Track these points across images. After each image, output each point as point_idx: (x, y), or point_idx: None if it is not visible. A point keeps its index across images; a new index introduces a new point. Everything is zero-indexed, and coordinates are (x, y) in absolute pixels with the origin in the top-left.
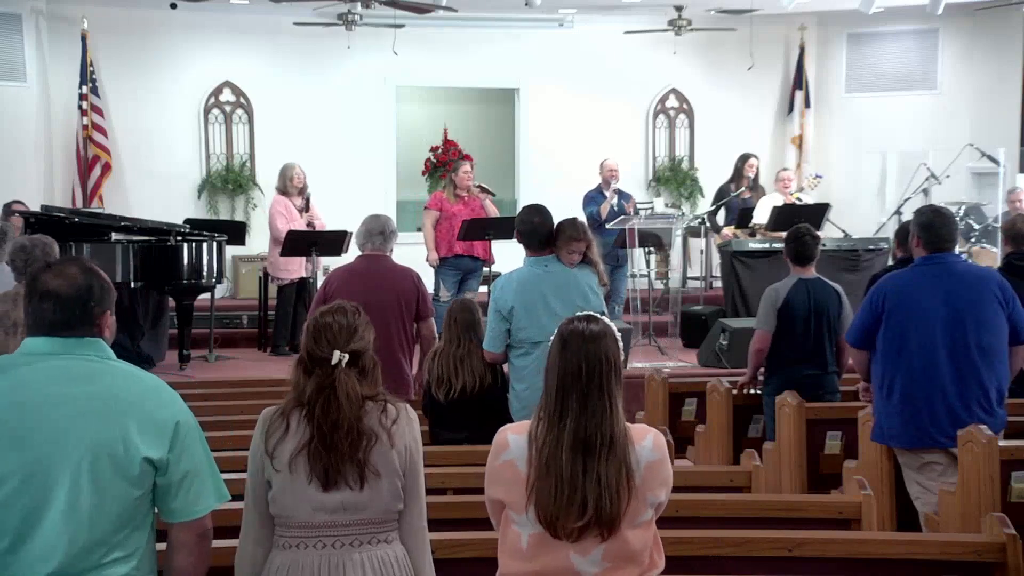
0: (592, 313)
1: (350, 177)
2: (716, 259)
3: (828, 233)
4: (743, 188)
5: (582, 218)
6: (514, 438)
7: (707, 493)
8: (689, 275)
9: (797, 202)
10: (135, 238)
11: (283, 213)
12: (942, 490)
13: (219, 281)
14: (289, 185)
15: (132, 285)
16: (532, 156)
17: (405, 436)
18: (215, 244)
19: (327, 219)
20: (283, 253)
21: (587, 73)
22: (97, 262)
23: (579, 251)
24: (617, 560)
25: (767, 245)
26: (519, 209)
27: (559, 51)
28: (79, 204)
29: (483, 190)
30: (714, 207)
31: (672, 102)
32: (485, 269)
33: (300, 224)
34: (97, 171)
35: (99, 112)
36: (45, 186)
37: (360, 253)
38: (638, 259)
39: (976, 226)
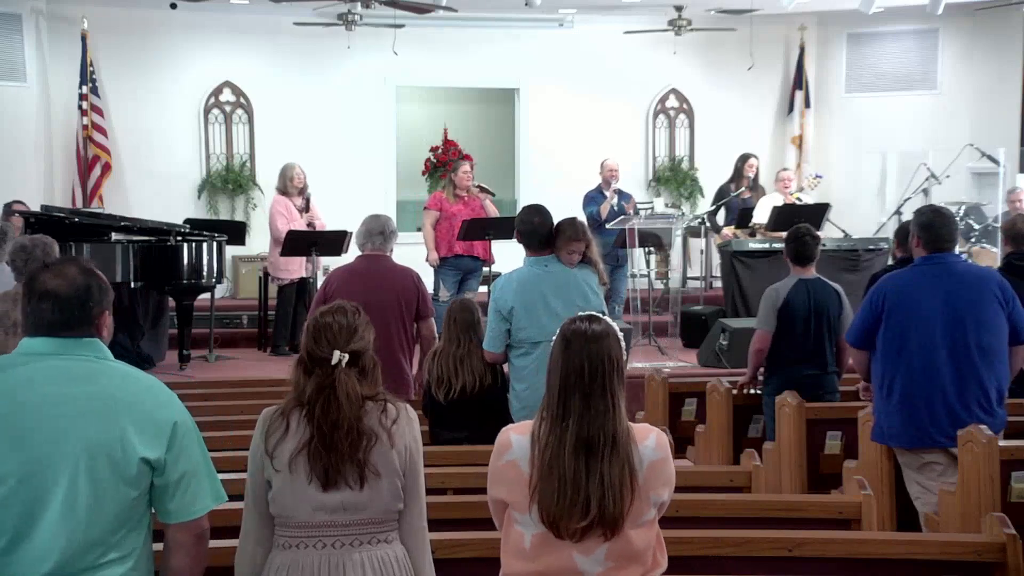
0: (594, 313)
1: (350, 177)
2: (716, 259)
3: (828, 233)
4: (743, 188)
5: (582, 218)
6: (517, 438)
7: (707, 493)
8: (689, 275)
9: (797, 202)
10: (135, 238)
11: (283, 213)
12: (942, 490)
13: (219, 281)
14: (289, 185)
15: (132, 285)
16: (532, 156)
17: (405, 436)
18: (215, 244)
19: (327, 219)
20: (283, 253)
21: (587, 73)
22: (97, 262)
23: (579, 251)
24: (620, 560)
25: (767, 245)
26: (519, 209)
27: (559, 51)
28: (79, 204)
29: (483, 190)
30: (714, 207)
31: (672, 102)
32: (485, 269)
33: (300, 224)
34: (97, 171)
35: (99, 112)
36: (45, 186)
37: (360, 253)
38: (638, 259)
39: (976, 226)
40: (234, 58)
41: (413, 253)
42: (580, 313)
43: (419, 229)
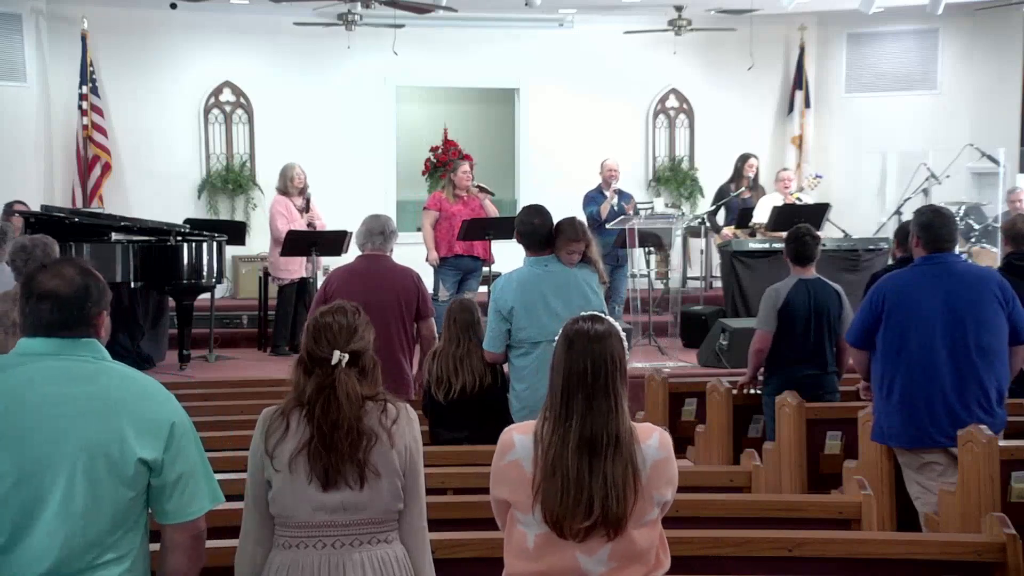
0: (597, 313)
1: (350, 177)
2: (716, 259)
3: (828, 233)
4: (743, 188)
5: (582, 218)
6: (520, 438)
7: (707, 493)
8: (689, 275)
9: (797, 202)
10: (135, 238)
11: (283, 213)
12: (942, 490)
13: (219, 281)
14: (289, 185)
15: (132, 285)
16: (532, 156)
17: (405, 436)
18: (215, 244)
19: (327, 219)
20: (283, 253)
21: (587, 73)
22: (97, 262)
23: (578, 251)
24: (623, 559)
25: (767, 245)
26: (519, 209)
27: (559, 51)
28: (79, 204)
29: (482, 190)
30: (714, 207)
31: (672, 102)
32: (485, 269)
33: (300, 224)
34: (97, 171)
35: (99, 112)
36: (45, 186)
37: (360, 253)
38: (638, 259)
39: (976, 226)
40: (234, 58)
41: (413, 253)
42: (582, 313)
43: (419, 229)
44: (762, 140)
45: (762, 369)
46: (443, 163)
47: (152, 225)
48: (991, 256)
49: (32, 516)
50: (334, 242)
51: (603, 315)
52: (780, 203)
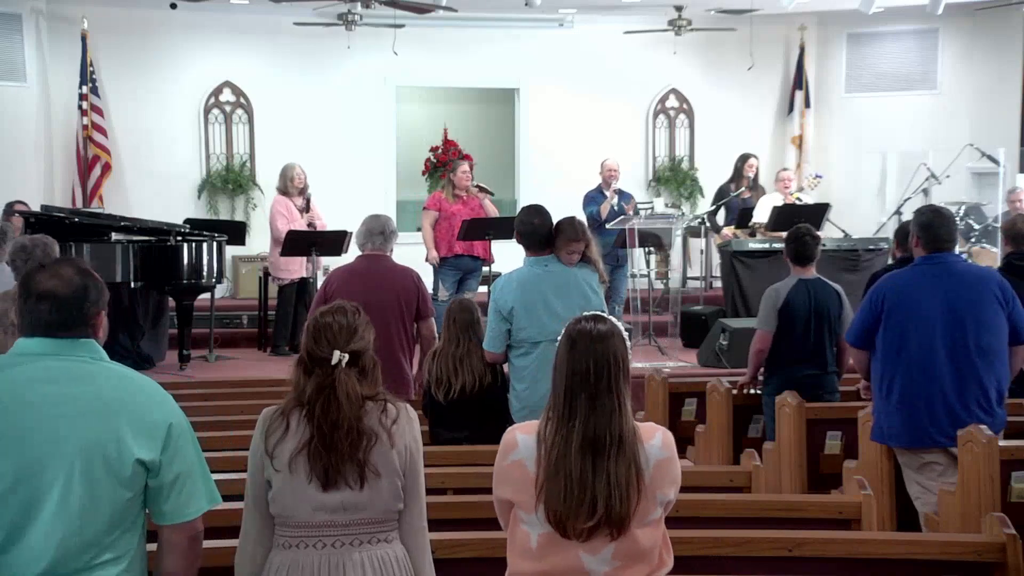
0: (600, 313)
1: (350, 177)
2: (716, 259)
3: (828, 233)
4: (743, 188)
5: (582, 218)
6: (523, 438)
7: (707, 493)
8: (689, 275)
9: (797, 202)
10: (135, 238)
11: (283, 213)
12: (942, 490)
13: (219, 281)
14: (290, 185)
15: (132, 285)
16: (532, 156)
17: (405, 436)
18: (215, 244)
19: (327, 219)
20: (283, 253)
21: (587, 73)
22: (97, 262)
23: (578, 251)
24: (627, 559)
25: (767, 245)
26: (519, 209)
27: (559, 51)
28: (79, 204)
29: (482, 190)
30: (714, 207)
31: (672, 102)
32: (485, 269)
33: (301, 224)
34: (97, 171)
35: (99, 112)
36: (45, 186)
37: (360, 253)
38: (638, 259)
39: (976, 226)
40: (234, 58)
41: (413, 253)
42: (585, 313)
43: (419, 229)
44: (762, 140)
45: (762, 369)
46: (443, 163)
47: (152, 225)
48: (991, 256)
49: (30, 516)
50: (334, 242)
51: (606, 315)
52: (780, 203)
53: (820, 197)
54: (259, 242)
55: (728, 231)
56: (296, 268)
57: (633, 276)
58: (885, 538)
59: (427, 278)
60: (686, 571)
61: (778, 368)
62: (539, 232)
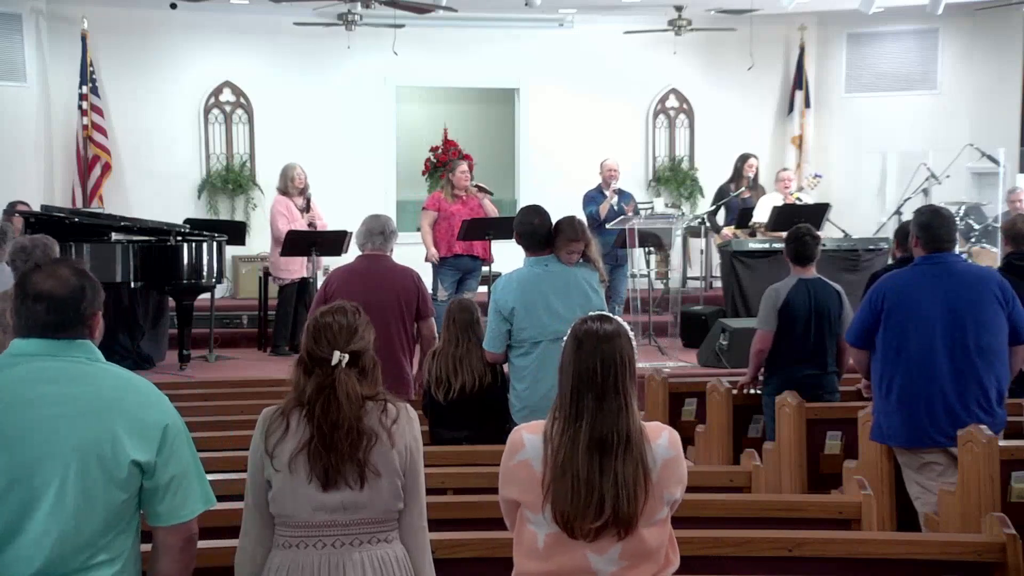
0: (606, 313)
1: (350, 177)
2: (716, 259)
3: (828, 233)
4: (743, 188)
5: (581, 217)
6: (530, 438)
7: (707, 493)
8: (689, 275)
9: (797, 202)
10: (135, 238)
11: (284, 213)
12: (942, 490)
13: (219, 281)
14: (290, 185)
15: (132, 285)
16: (532, 156)
17: (405, 436)
18: (215, 244)
19: (327, 219)
20: (283, 253)
21: (587, 73)
22: (97, 262)
23: (578, 251)
24: (634, 558)
25: (767, 245)
26: (519, 209)
27: (559, 51)
28: (79, 204)
29: (481, 189)
30: (714, 207)
31: (672, 102)
32: (484, 268)
33: (301, 224)
34: (97, 171)
35: (99, 112)
36: (45, 186)
37: (360, 253)
38: (638, 259)
39: (976, 226)
40: (234, 58)
41: (413, 253)
42: (590, 313)
43: (419, 229)
44: (762, 140)
45: (762, 369)
46: (443, 163)
47: (152, 225)
48: (991, 256)
49: (25, 516)
50: (334, 242)
51: (612, 315)
52: (780, 203)
53: (820, 197)
54: (259, 242)
55: (728, 231)
56: (296, 268)
57: (633, 276)
58: (885, 538)
59: (426, 278)
60: (686, 571)
61: (778, 368)
62: (539, 232)
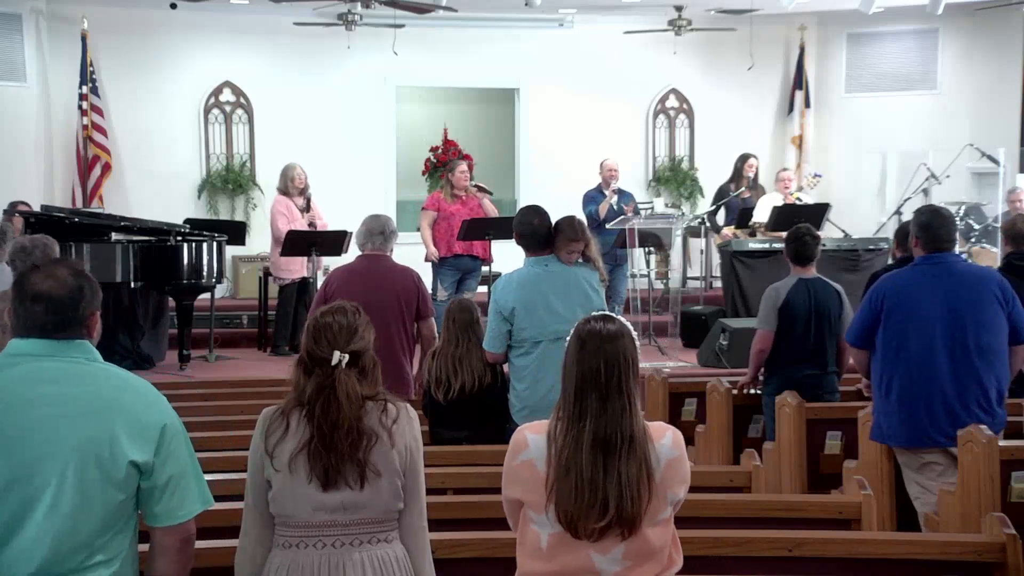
0: (609, 313)
1: (350, 177)
2: (716, 259)
3: (828, 233)
4: (743, 188)
5: (581, 217)
6: (533, 437)
7: (707, 493)
8: (689, 275)
9: (797, 202)
10: (135, 238)
11: (284, 213)
12: (942, 490)
13: (219, 281)
14: (290, 186)
15: (132, 285)
16: (532, 156)
17: (405, 436)
18: (215, 244)
19: (328, 219)
20: (283, 253)
21: (587, 73)
22: (97, 262)
23: (578, 250)
24: (638, 558)
25: (767, 245)
26: (518, 209)
27: (559, 51)
28: (79, 204)
29: (480, 189)
30: (714, 207)
31: (672, 102)
32: (484, 268)
33: (301, 224)
34: (97, 171)
35: (99, 112)
36: (45, 186)
37: (360, 253)
38: (638, 259)
39: (976, 226)
40: (234, 58)
41: (413, 253)
42: (594, 313)
43: (419, 229)
44: (762, 140)
45: (762, 369)
46: (443, 163)
47: (152, 225)
48: (991, 256)
49: (23, 516)
50: (334, 242)
51: (615, 315)
52: (780, 203)
53: (820, 197)
54: (259, 242)
55: (728, 231)
56: (297, 268)
57: (633, 276)
58: (885, 538)
59: (426, 278)
60: (686, 571)
61: (778, 368)
62: (538, 232)
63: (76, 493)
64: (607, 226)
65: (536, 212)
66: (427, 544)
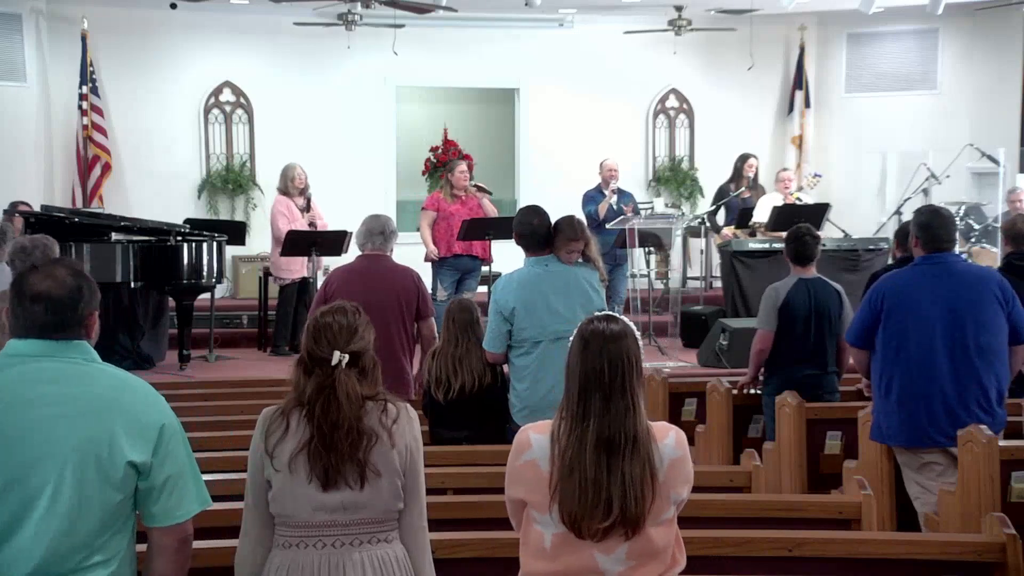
0: (612, 313)
1: (350, 177)
2: (716, 259)
3: (828, 233)
4: (743, 188)
5: (581, 217)
6: (537, 437)
7: (707, 493)
8: (689, 275)
9: (797, 202)
10: (135, 238)
11: (284, 213)
12: (942, 490)
13: (219, 281)
14: (291, 186)
15: (132, 285)
16: (532, 156)
17: (405, 435)
18: (215, 244)
19: (328, 219)
20: (283, 253)
21: (587, 73)
22: (97, 262)
23: (577, 250)
24: (641, 558)
25: (767, 245)
26: (518, 209)
27: (559, 51)
28: (79, 204)
29: (480, 189)
30: (714, 207)
31: (672, 102)
32: (484, 268)
33: (302, 224)
34: (97, 171)
35: (99, 112)
36: (45, 186)
37: (360, 253)
38: (638, 259)
39: (976, 226)
40: (234, 58)
41: (413, 253)
42: (597, 313)
43: (418, 229)
44: (762, 140)
45: (762, 369)
46: (443, 163)
47: (152, 225)
48: (991, 256)
49: (22, 516)
50: (334, 242)
51: (618, 315)
52: (780, 203)
53: (820, 197)
54: (259, 242)
55: (728, 231)
56: (297, 268)
57: (633, 276)
58: (885, 538)
59: (426, 278)
60: (686, 571)
61: (778, 368)
62: (538, 232)
63: (75, 493)
64: (607, 226)
65: (536, 212)
66: (427, 544)
